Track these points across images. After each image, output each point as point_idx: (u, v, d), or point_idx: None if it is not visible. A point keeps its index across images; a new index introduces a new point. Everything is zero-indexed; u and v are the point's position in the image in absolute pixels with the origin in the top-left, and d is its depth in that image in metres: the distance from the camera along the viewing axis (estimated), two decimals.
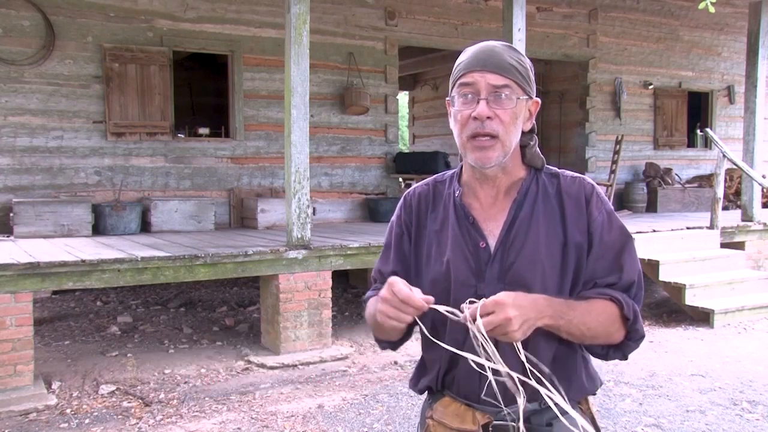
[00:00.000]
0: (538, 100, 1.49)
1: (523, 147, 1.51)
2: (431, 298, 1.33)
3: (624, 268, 1.44)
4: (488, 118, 1.39)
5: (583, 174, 1.66)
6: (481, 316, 1.25)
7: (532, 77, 1.46)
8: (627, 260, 1.45)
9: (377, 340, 1.59)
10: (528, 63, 1.46)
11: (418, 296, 1.32)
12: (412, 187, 1.63)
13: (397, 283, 1.33)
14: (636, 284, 1.45)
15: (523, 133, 1.49)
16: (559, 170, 1.53)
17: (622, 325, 1.41)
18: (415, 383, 1.60)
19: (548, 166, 1.54)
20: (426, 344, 1.55)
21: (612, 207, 1.51)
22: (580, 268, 1.44)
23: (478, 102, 1.40)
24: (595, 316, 1.37)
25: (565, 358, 1.46)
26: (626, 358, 1.48)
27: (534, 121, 1.51)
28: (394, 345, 1.58)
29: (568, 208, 1.46)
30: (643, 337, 1.44)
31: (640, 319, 1.43)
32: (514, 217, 1.45)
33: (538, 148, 1.54)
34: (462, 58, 1.46)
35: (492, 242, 1.45)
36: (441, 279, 1.47)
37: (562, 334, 1.36)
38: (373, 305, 1.49)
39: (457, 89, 1.44)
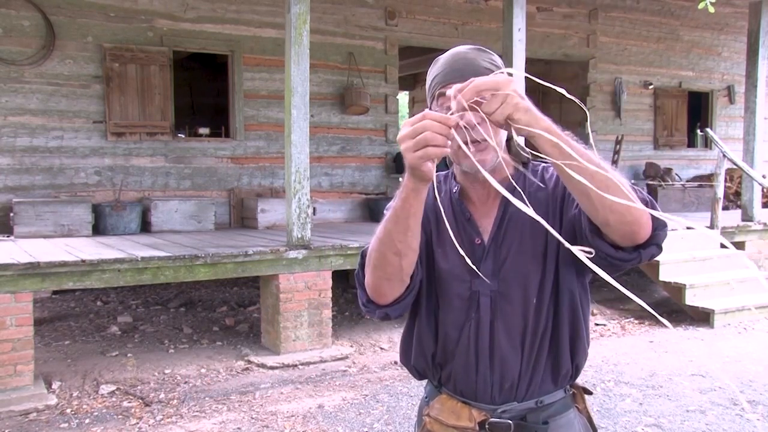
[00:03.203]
0: None
1: (507, 140, 1.52)
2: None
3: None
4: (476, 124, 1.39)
5: None
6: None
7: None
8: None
9: (377, 306, 1.43)
10: (499, 61, 1.45)
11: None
12: None
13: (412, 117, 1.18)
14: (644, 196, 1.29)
15: None
16: (545, 164, 1.53)
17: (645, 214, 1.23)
18: (407, 359, 1.57)
19: (534, 162, 1.55)
20: (417, 327, 1.52)
21: None
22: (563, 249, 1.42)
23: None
24: (610, 171, 1.19)
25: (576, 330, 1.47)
26: (661, 249, 1.30)
27: None
28: (397, 303, 1.42)
29: (550, 191, 1.46)
30: (666, 224, 1.26)
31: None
32: (504, 213, 1.47)
33: (522, 141, 1.54)
34: (437, 70, 1.44)
35: (486, 239, 1.47)
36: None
37: (572, 167, 1.16)
38: (380, 228, 1.36)
39: (438, 102, 1.43)
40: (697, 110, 11.35)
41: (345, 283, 7.93)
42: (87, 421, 4.10)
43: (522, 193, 1.48)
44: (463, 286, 1.44)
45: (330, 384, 4.82)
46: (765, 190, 9.22)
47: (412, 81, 13.50)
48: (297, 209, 5.43)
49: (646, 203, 1.25)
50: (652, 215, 1.23)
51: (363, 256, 1.46)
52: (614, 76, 10.28)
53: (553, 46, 9.63)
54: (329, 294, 5.64)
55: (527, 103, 1.14)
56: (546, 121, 1.17)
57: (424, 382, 1.62)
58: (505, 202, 1.48)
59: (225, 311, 6.84)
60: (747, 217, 8.07)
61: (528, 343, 1.43)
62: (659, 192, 10.12)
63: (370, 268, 1.40)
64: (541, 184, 1.48)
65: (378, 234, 1.36)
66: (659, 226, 1.27)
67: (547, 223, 1.41)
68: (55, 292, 7.23)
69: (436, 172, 1.65)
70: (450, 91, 1.17)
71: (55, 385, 4.64)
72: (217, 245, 5.55)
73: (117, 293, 7.43)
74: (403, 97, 14.79)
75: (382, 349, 5.67)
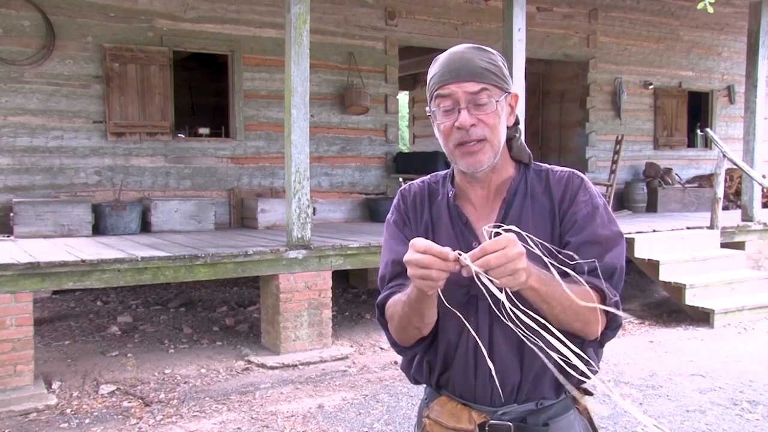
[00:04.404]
0: (517, 93, 1.49)
1: (509, 140, 1.51)
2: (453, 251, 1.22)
3: (607, 256, 1.39)
4: (472, 125, 1.39)
5: (584, 173, 1.64)
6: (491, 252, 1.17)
7: (506, 72, 1.45)
8: (612, 251, 1.40)
9: (402, 348, 1.51)
10: (500, 59, 1.45)
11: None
12: (408, 184, 1.63)
13: (420, 240, 1.22)
14: (618, 272, 1.39)
15: (507, 127, 1.49)
16: (549, 166, 1.53)
17: (602, 315, 1.33)
18: (408, 370, 1.61)
19: (537, 162, 1.54)
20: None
21: (604, 202, 1.47)
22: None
23: (459, 112, 1.39)
24: (576, 295, 1.28)
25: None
26: (602, 347, 1.43)
27: (516, 114, 1.50)
28: (420, 344, 1.49)
29: (557, 203, 1.45)
30: (620, 326, 1.38)
31: (620, 310, 1.38)
32: (504, 216, 1.45)
33: (523, 141, 1.54)
34: (434, 70, 1.44)
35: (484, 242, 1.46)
36: None
37: (541, 305, 1.25)
38: (397, 303, 1.43)
39: (435, 102, 1.43)
40: (697, 110, 11.34)
41: (345, 283, 7.93)
42: (87, 421, 4.10)
43: (524, 195, 1.48)
44: (461, 291, 1.42)
45: (330, 384, 4.82)
46: (765, 190, 9.23)
47: (412, 81, 13.50)
48: (297, 209, 5.43)
49: (607, 302, 1.34)
50: (608, 320, 1.35)
51: (380, 307, 1.52)
52: (614, 76, 10.28)
53: (553, 46, 9.62)
54: (329, 294, 5.64)
55: (524, 263, 1.18)
56: (533, 272, 1.23)
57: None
58: (506, 205, 1.46)
59: (225, 311, 6.84)
60: (747, 217, 8.07)
61: (528, 349, 1.40)
62: (659, 192, 10.12)
63: (393, 329, 1.48)
64: (546, 188, 1.47)
65: (397, 310, 1.43)
66: (611, 327, 1.37)
67: (546, 231, 1.42)
68: (55, 292, 7.23)
69: (435, 172, 1.65)
70: (464, 259, 1.20)
71: (55, 385, 4.64)
72: (217, 245, 5.55)
73: (117, 293, 7.43)
74: (403, 97, 14.79)
75: (382, 349, 5.67)
